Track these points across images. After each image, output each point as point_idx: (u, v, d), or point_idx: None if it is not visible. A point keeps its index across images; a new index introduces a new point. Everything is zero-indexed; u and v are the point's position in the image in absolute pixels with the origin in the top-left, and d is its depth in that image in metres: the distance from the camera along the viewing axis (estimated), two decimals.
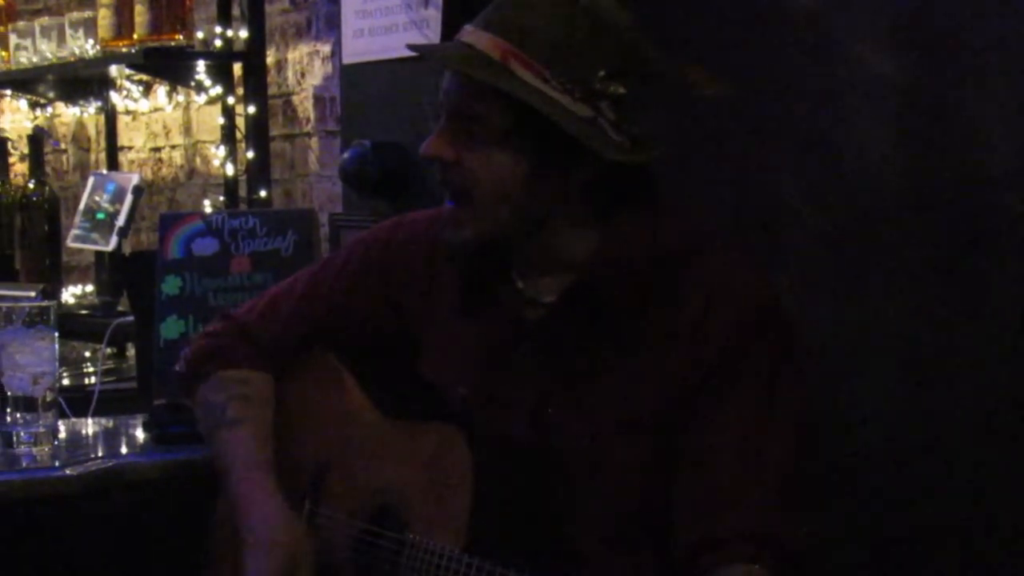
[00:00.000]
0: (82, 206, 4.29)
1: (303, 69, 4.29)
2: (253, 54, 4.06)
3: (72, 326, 3.96)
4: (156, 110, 5.03)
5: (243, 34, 4.05)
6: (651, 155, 1.85)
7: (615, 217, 1.87)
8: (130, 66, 4.40)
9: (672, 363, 1.82)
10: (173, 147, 5.03)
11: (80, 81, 4.89)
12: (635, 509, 1.85)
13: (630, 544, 1.85)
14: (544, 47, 1.80)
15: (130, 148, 5.22)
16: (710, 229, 1.93)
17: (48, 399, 2.46)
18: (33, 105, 5.41)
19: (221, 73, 4.12)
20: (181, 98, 4.85)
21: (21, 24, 4.85)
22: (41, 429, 2.45)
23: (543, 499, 1.86)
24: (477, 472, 1.84)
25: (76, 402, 2.86)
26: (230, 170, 4.11)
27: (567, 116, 1.79)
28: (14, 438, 2.45)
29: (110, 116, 5.09)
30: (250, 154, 4.05)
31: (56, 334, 2.47)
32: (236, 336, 2.13)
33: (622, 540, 1.85)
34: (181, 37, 4.19)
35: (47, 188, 4.40)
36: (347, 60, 3.62)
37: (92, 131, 5.43)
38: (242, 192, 4.11)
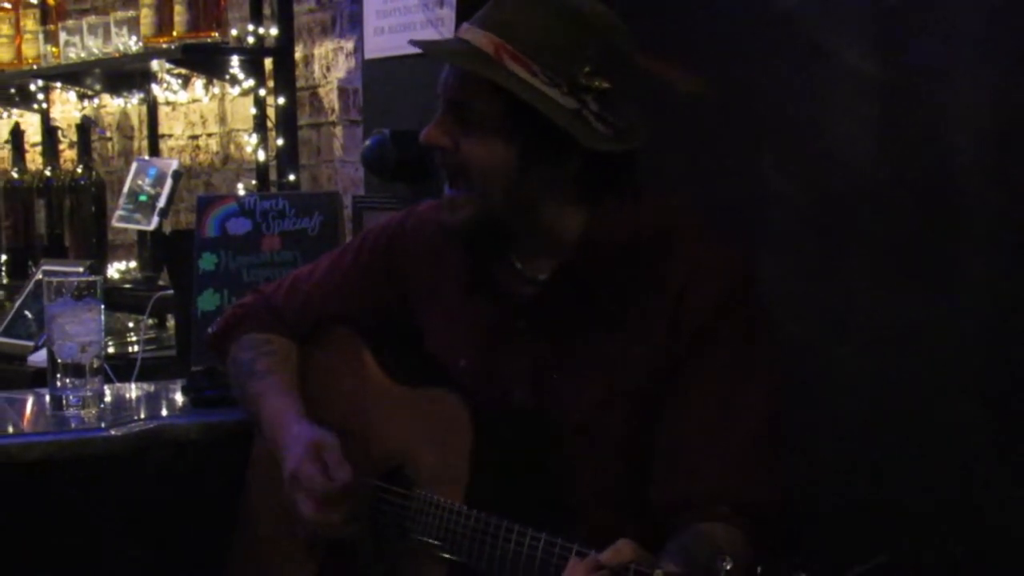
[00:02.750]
0: (126, 189, 4.29)
1: (328, 63, 4.28)
2: (282, 50, 4.06)
3: (117, 299, 3.97)
4: (194, 101, 5.02)
5: (273, 32, 4.05)
6: (633, 145, 1.84)
7: (601, 201, 1.86)
8: (170, 61, 4.40)
9: (654, 336, 1.82)
10: (209, 135, 5.02)
11: (124, 75, 4.87)
12: (625, 470, 1.84)
13: (622, 501, 1.85)
14: (533, 44, 1.79)
15: (170, 136, 5.21)
16: (688, 212, 1.92)
17: (95, 365, 2.48)
18: (81, 97, 5.40)
19: (253, 67, 4.11)
20: (217, 90, 4.84)
21: (70, 22, 4.84)
22: (88, 393, 2.47)
23: (539, 460, 1.86)
24: (478, 435, 1.84)
25: (120, 368, 2.88)
26: (261, 156, 4.11)
27: (554, 107, 1.78)
28: (64, 401, 2.46)
29: (152, 107, 5.08)
30: (280, 141, 4.05)
31: (102, 306, 2.48)
32: (263, 307, 2.19)
33: (614, 497, 1.85)
34: (217, 34, 4.17)
35: (94, 173, 4.42)
36: (369, 55, 3.62)
37: (135, 120, 5.43)
38: (272, 176, 4.11)
